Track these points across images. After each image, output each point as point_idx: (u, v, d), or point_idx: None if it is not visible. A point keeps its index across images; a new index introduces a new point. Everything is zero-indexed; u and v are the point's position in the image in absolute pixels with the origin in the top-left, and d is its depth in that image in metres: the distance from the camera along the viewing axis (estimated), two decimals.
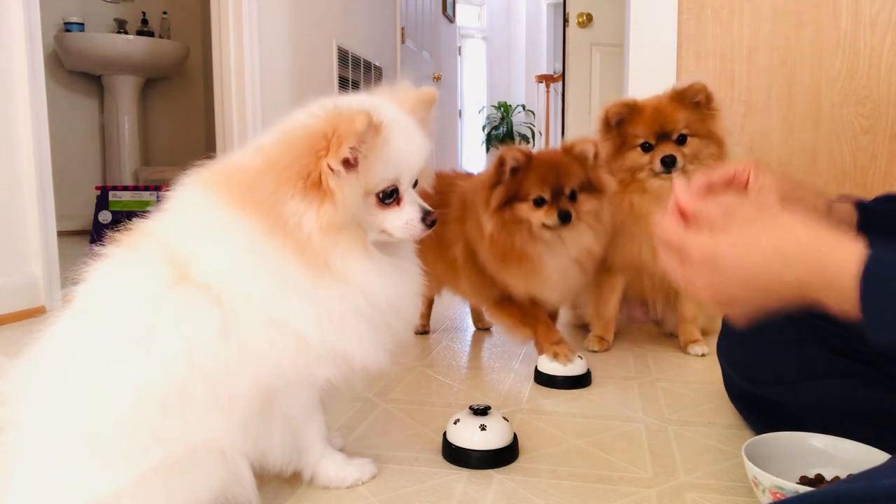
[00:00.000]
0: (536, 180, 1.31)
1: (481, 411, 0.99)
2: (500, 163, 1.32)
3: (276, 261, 0.75)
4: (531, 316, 1.43)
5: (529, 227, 1.34)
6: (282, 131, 0.79)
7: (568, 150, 1.35)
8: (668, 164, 1.46)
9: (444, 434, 1.00)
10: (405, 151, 0.81)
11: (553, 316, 1.54)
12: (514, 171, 1.32)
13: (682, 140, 1.49)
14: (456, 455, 0.97)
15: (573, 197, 1.34)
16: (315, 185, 0.74)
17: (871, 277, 0.46)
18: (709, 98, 1.50)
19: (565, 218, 1.30)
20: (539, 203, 1.32)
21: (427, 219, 0.82)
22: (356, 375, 0.84)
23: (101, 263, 0.77)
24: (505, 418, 1.00)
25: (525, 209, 1.33)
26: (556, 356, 1.34)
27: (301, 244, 0.75)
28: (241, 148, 0.83)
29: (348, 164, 0.75)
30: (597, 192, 1.38)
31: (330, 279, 0.76)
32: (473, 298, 1.55)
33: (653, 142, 1.49)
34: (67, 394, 0.71)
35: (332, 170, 0.73)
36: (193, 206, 0.79)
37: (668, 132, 1.48)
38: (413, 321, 0.92)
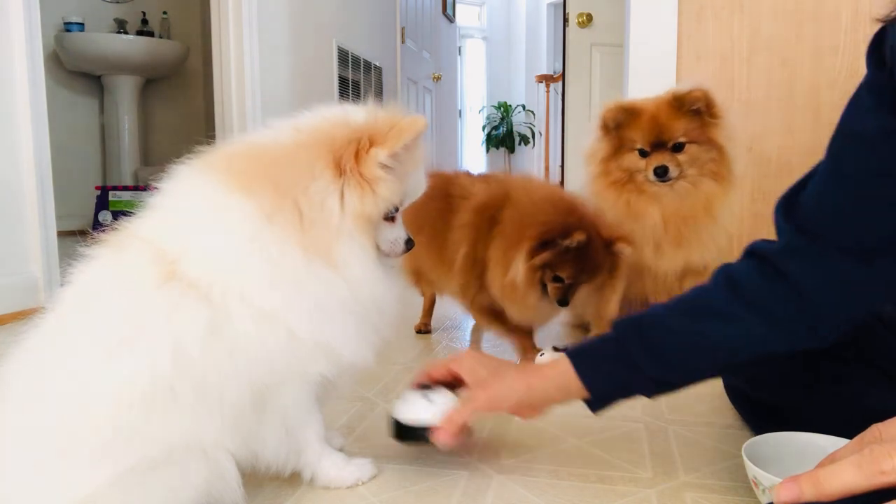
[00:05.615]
0: (567, 267, 1.33)
1: (426, 387, 0.94)
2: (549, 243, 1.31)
3: (271, 246, 0.74)
4: (516, 330, 1.53)
5: (540, 294, 1.38)
6: (323, 118, 0.81)
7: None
8: (660, 174, 1.45)
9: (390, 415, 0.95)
10: (421, 174, 0.85)
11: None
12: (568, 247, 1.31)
13: (678, 147, 1.46)
14: (405, 433, 0.92)
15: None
16: (354, 172, 0.76)
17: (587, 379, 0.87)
18: (709, 105, 1.45)
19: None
20: (562, 301, 1.38)
21: (408, 244, 0.88)
22: (345, 371, 0.84)
23: (87, 265, 0.75)
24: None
25: (552, 289, 1.37)
26: None
27: (309, 225, 0.75)
28: (253, 131, 0.84)
29: (392, 161, 0.78)
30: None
31: (321, 267, 0.76)
32: (460, 300, 1.58)
33: (648, 149, 1.47)
34: (48, 394, 0.69)
35: (380, 162, 0.76)
36: (186, 196, 0.78)
37: (664, 141, 1.46)
38: (394, 321, 0.90)
